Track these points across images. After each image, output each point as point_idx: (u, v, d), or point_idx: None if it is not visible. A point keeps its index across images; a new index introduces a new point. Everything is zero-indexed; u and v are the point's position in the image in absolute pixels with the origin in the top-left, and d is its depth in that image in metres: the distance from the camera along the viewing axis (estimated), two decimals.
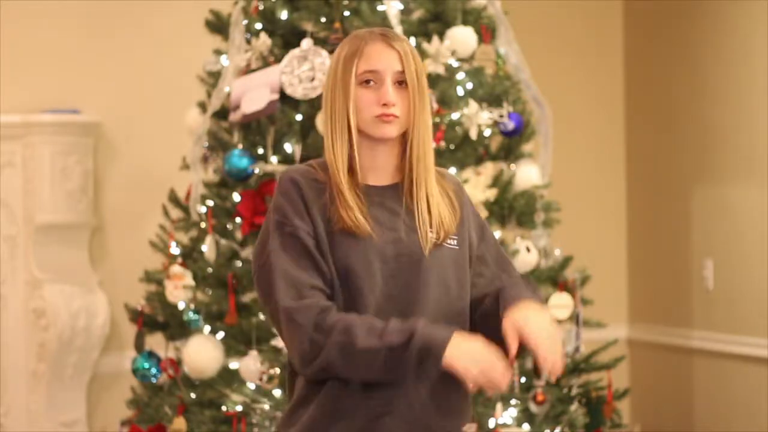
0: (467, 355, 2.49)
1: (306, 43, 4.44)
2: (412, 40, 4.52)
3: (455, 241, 2.66)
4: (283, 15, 4.58)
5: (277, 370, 4.29)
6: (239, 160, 4.46)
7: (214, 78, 4.76)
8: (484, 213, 4.47)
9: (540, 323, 2.54)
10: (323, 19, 4.53)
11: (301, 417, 2.62)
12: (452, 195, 2.70)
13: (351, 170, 2.64)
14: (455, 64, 4.59)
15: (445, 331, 2.51)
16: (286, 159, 4.49)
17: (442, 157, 4.50)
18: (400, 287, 2.60)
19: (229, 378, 4.46)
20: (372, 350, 2.49)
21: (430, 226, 2.63)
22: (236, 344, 4.46)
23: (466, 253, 2.69)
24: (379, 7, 4.52)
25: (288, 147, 4.50)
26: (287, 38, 4.57)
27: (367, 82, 2.62)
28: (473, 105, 4.52)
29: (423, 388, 2.60)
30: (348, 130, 2.62)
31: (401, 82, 2.62)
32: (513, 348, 2.52)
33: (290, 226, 2.60)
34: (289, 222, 2.60)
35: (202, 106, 4.83)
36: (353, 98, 2.61)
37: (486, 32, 4.70)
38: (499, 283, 2.70)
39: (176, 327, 4.60)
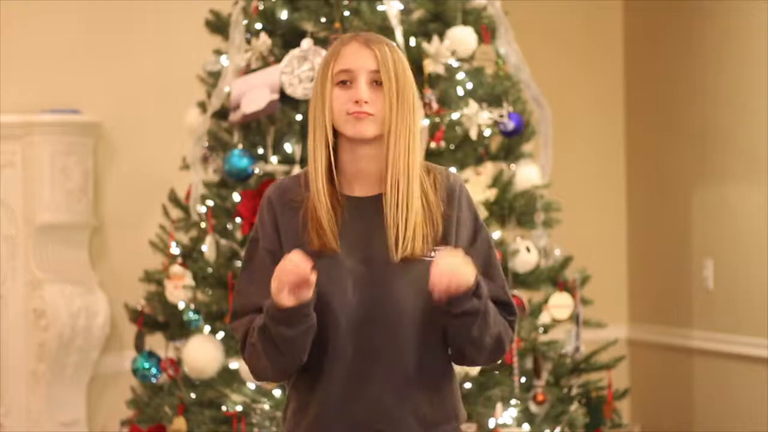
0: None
1: (306, 43, 4.44)
2: (412, 40, 4.53)
3: (437, 252, 2.59)
4: (283, 15, 4.58)
5: None
6: (239, 160, 4.46)
7: (214, 78, 4.76)
8: (484, 213, 4.47)
9: (448, 256, 2.52)
10: (323, 19, 4.53)
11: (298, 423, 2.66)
12: (437, 205, 2.62)
13: (331, 179, 2.61)
14: (455, 64, 4.59)
15: None
16: (286, 159, 4.50)
17: (442, 157, 4.50)
18: (374, 304, 2.57)
19: (229, 378, 4.46)
20: (259, 340, 2.58)
21: (405, 242, 2.57)
22: (236, 344, 4.45)
23: None
24: (379, 7, 4.52)
25: (288, 147, 4.50)
26: (287, 38, 4.57)
27: (343, 82, 2.60)
28: (473, 105, 4.52)
29: (407, 389, 2.61)
30: (326, 133, 2.60)
31: (378, 82, 2.60)
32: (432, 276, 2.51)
33: (257, 244, 2.65)
34: (257, 240, 2.65)
35: (202, 106, 4.83)
36: (329, 99, 2.60)
37: (486, 32, 4.70)
38: None
39: (176, 327, 4.60)
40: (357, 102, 2.58)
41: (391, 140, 2.59)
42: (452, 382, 2.69)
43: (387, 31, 4.42)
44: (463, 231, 2.65)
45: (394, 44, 2.68)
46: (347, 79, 2.60)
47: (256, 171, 4.48)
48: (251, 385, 4.40)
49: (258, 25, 4.58)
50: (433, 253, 2.59)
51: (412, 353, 2.60)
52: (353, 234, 2.60)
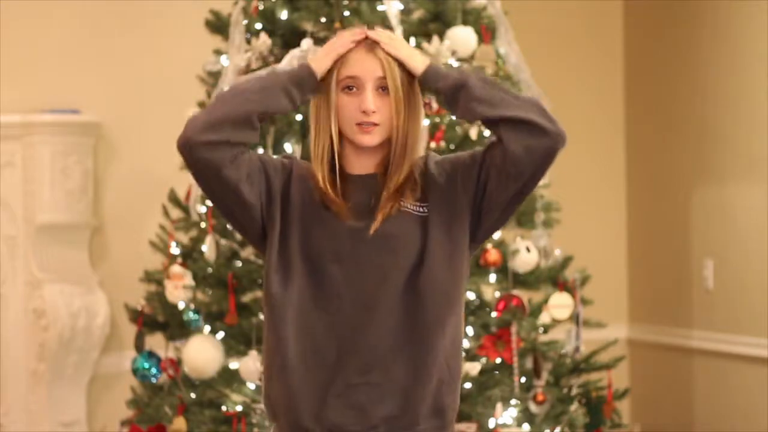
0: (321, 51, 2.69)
1: (306, 43, 4.44)
2: (412, 41, 4.53)
3: (424, 208, 2.67)
4: (283, 15, 4.58)
5: None
6: None
7: (214, 78, 4.76)
8: None
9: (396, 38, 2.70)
10: (323, 19, 4.53)
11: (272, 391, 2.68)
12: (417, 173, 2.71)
13: (332, 168, 2.68)
14: (455, 64, 4.59)
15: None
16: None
17: None
18: (367, 266, 2.63)
19: (229, 378, 4.46)
20: (250, 81, 2.68)
21: (393, 200, 2.65)
22: (236, 344, 4.46)
23: (436, 217, 2.67)
24: (379, 7, 4.52)
25: (288, 147, 4.50)
26: (287, 38, 4.57)
27: (349, 88, 2.66)
28: None
29: (398, 364, 2.62)
30: (330, 134, 2.67)
31: (384, 89, 2.65)
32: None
33: (263, 154, 2.73)
34: (266, 156, 2.72)
35: (202, 106, 4.82)
36: (335, 104, 2.66)
37: (486, 32, 4.70)
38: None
39: (176, 327, 4.60)
40: (365, 112, 2.63)
41: (398, 144, 2.67)
42: (441, 353, 2.67)
43: None
44: (460, 176, 2.68)
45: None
46: (353, 85, 2.66)
47: None
48: (251, 385, 4.40)
49: (258, 25, 4.58)
50: (415, 207, 2.66)
51: (400, 310, 2.62)
52: (352, 204, 2.67)
